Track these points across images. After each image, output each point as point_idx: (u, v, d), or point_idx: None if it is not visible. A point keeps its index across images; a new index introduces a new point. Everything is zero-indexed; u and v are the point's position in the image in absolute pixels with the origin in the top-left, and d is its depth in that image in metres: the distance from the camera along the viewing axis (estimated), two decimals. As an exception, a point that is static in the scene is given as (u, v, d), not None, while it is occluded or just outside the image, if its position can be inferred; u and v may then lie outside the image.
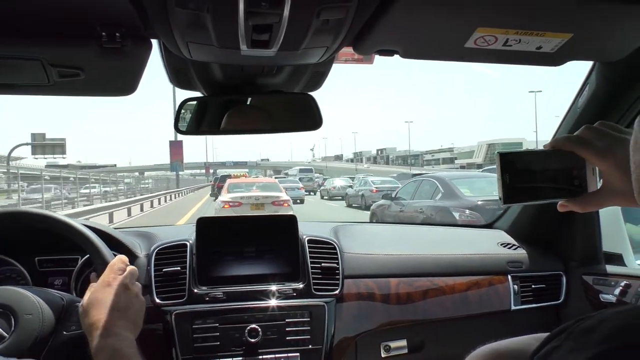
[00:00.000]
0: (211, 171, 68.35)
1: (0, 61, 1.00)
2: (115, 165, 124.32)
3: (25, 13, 0.90)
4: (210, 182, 41.73)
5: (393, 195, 10.24)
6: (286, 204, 11.90)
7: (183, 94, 1.33)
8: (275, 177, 30.39)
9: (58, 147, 26.02)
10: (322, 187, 27.53)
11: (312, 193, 31.45)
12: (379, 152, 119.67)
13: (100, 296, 1.03)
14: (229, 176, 23.67)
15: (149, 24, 0.94)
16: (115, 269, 1.09)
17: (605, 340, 0.43)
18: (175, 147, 38.86)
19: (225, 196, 12.37)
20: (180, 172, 43.87)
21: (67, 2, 0.86)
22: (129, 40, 0.96)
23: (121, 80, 1.14)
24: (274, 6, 0.79)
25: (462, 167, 59.81)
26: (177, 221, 12.45)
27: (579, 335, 0.46)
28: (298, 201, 22.48)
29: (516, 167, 0.75)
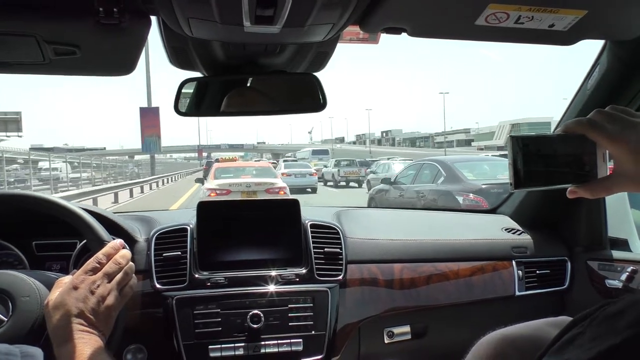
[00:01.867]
0: (205, 154, 62.85)
1: None
2: (104, 148, 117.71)
3: None
4: (203, 166, 35.04)
5: (392, 180, 9.83)
6: (282, 192, 10.77)
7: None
8: (284, 161, 27.85)
9: (12, 123, 21.38)
10: (370, 176, 19.30)
11: (354, 184, 24.14)
12: (384, 134, 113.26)
13: (64, 299, 0.98)
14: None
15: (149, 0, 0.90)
16: (89, 268, 1.03)
17: (633, 325, 0.41)
18: (148, 116, 27.66)
19: (211, 182, 11.14)
20: (157, 154, 32.61)
21: None
22: (127, 15, 0.93)
23: (119, 59, 1.11)
24: None
25: (480, 150, 56.52)
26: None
27: (603, 321, 0.44)
28: (309, 190, 20.24)
29: (528, 151, 0.72)
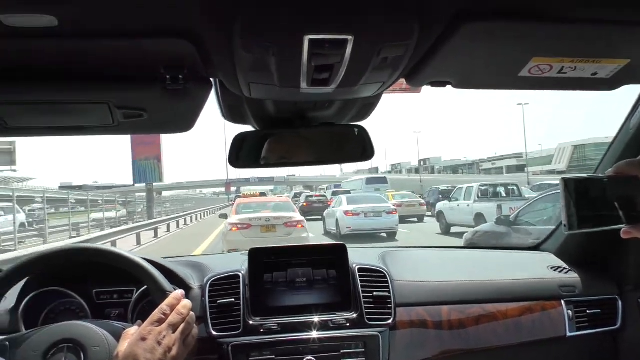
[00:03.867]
0: (233, 189, 60.59)
1: (72, 106, 1.06)
2: (133, 185, 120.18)
3: (97, 61, 0.94)
4: (231, 201, 31.35)
5: (512, 218, 7.43)
6: (300, 225, 11.09)
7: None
8: (333, 193, 26.87)
9: (3, 155, 16.52)
10: (443, 205, 16.31)
11: (413, 219, 19.36)
12: (422, 162, 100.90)
13: (133, 350, 1.02)
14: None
15: (211, 66, 0.97)
16: (155, 319, 1.07)
17: None
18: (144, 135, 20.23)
19: (233, 218, 11.56)
20: (156, 183, 25.06)
21: (134, 48, 0.90)
22: (190, 81, 1.00)
23: (181, 118, 1.19)
24: (336, 47, 0.82)
25: (536, 175, 51.22)
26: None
27: None
28: (384, 234, 14.76)
29: (580, 194, 0.75)
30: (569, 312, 1.63)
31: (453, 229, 15.36)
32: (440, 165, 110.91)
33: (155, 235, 18.01)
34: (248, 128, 1.38)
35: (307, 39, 0.79)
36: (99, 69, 0.97)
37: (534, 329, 1.60)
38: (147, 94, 1.03)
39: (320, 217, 19.42)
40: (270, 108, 1.23)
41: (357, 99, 1.20)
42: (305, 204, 26.08)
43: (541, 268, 1.78)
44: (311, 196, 28.55)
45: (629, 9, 0.82)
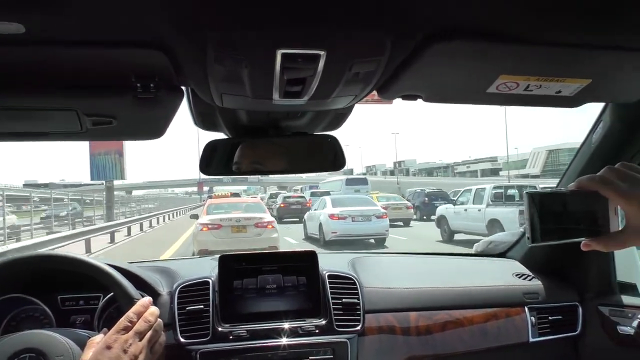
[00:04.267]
0: (206, 189, 58.65)
1: (37, 112, 1.03)
2: (102, 183, 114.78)
3: (65, 69, 0.92)
4: (203, 201, 27.65)
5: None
6: (270, 226, 11.15)
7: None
8: (311, 194, 25.80)
9: None
10: (445, 210, 14.80)
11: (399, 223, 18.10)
12: (397, 164, 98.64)
13: (98, 359, 1.01)
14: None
15: (183, 75, 0.97)
16: (121, 327, 1.06)
17: None
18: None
19: (204, 218, 11.60)
20: (117, 180, 22.71)
21: (106, 57, 0.88)
22: (162, 90, 0.99)
23: (151, 126, 1.17)
24: (309, 62, 0.82)
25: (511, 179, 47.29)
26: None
27: None
28: (372, 240, 13.65)
29: (543, 208, 0.78)
30: (532, 318, 1.68)
31: (457, 236, 14.02)
32: (415, 167, 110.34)
33: (112, 241, 16.49)
34: (220, 135, 1.37)
35: (279, 53, 0.79)
36: (67, 77, 0.95)
37: (498, 335, 1.65)
38: (117, 101, 1.02)
39: (299, 219, 18.52)
40: (242, 117, 1.23)
41: (329, 110, 1.21)
42: (282, 205, 24.92)
43: (506, 275, 1.83)
44: (289, 197, 27.16)
45: (589, 33, 0.85)
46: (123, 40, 0.82)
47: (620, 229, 0.78)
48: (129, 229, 18.81)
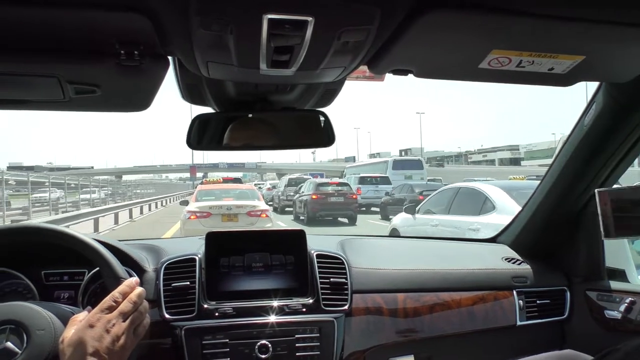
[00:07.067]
0: (200, 174, 55.49)
1: (16, 78, 1.00)
2: (92, 167, 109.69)
3: (43, 31, 0.89)
4: (195, 187, 26.74)
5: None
6: (264, 215, 10.39)
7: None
8: (359, 183, 21.32)
9: None
10: None
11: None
12: (403, 152, 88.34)
13: (80, 337, 0.98)
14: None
15: (168, 42, 0.94)
16: (105, 306, 1.03)
17: None
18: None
19: (192, 205, 10.73)
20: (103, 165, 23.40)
21: (86, 20, 0.86)
22: (146, 58, 0.96)
23: (136, 97, 1.15)
24: (297, 29, 0.81)
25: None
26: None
27: None
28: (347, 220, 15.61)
29: (615, 204, 0.81)
30: (520, 302, 1.69)
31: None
32: (423, 156, 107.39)
33: (116, 222, 16.84)
34: (208, 109, 1.35)
35: (266, 18, 0.77)
36: (46, 40, 0.91)
37: (486, 318, 1.65)
38: (100, 69, 0.99)
39: (347, 220, 16.28)
40: (230, 89, 1.21)
41: (319, 84, 1.19)
42: (314, 196, 16.73)
43: (496, 259, 1.83)
44: (324, 184, 17.75)
45: (583, 7, 0.84)
46: (103, 2, 0.80)
47: None
48: (130, 211, 19.74)
